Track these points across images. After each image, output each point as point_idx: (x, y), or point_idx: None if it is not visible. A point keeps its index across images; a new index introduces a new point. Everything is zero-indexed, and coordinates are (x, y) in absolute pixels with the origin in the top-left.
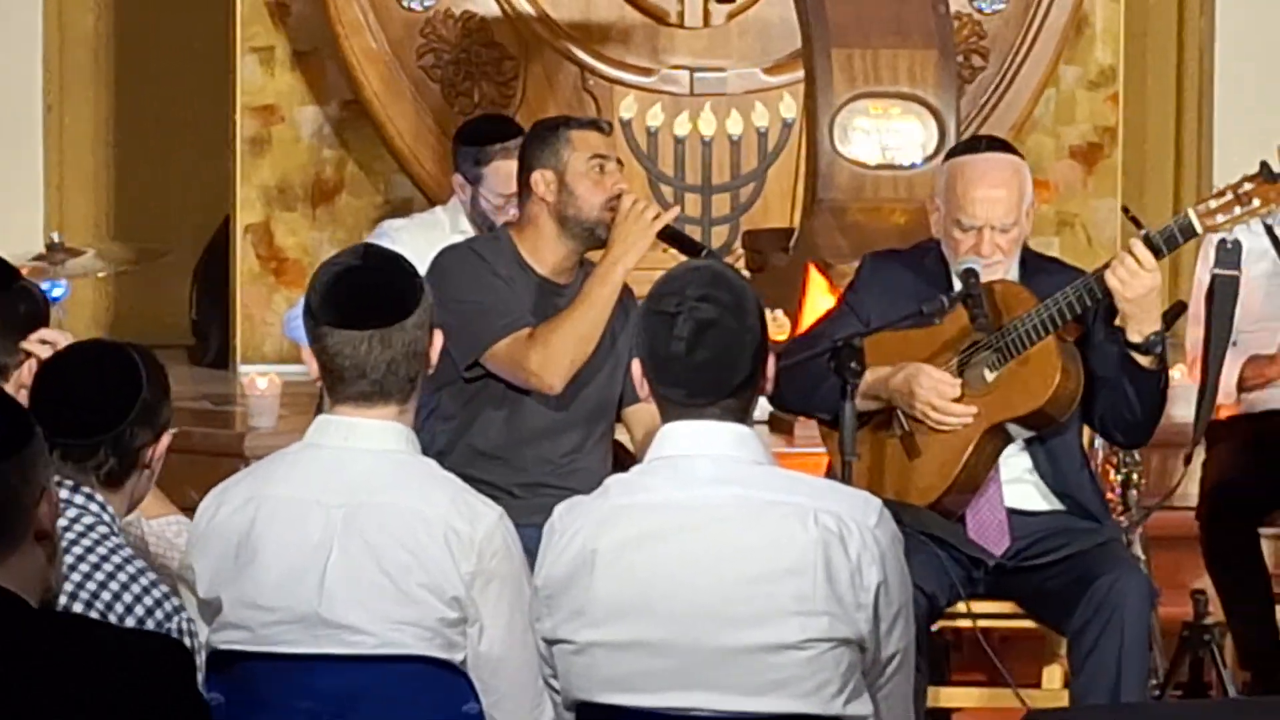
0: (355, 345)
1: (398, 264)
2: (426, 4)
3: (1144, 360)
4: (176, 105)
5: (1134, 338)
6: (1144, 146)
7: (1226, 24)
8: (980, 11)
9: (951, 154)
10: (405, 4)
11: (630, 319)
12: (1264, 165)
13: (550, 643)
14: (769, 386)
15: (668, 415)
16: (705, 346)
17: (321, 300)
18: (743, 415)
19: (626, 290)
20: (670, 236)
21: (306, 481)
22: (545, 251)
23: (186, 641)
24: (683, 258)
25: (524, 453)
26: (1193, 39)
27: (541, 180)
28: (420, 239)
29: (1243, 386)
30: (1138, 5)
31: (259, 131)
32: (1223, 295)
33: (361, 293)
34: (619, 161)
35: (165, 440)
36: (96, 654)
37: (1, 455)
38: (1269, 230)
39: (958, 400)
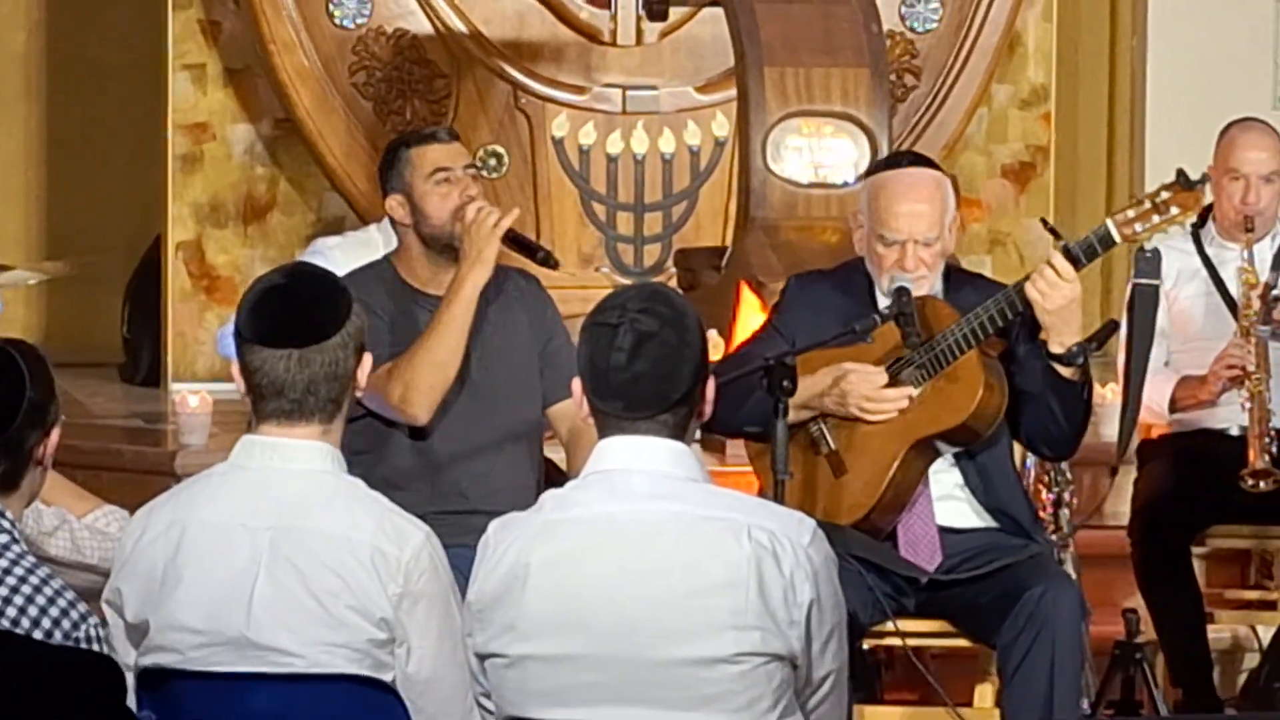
0: (274, 363)
1: (326, 284)
2: (359, 21)
3: (1066, 371)
4: (108, 123)
5: (1055, 349)
6: (1076, 165)
7: (1158, 43)
8: (913, 30)
9: (873, 171)
10: (337, 21)
11: (544, 337)
12: (1180, 173)
13: (482, 658)
14: (708, 410)
15: (605, 430)
16: (645, 358)
17: (246, 317)
18: (680, 432)
19: (542, 302)
20: (512, 240)
21: (232, 504)
22: (423, 271)
23: (97, 647)
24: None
25: (437, 479)
26: (1124, 58)
27: (395, 205)
28: (354, 257)
29: (1175, 407)
30: (1070, 24)
31: (191, 149)
32: (1143, 304)
33: (284, 312)
34: (475, 166)
35: (55, 435)
36: (28, 671)
37: None
38: (1200, 250)
39: (857, 423)
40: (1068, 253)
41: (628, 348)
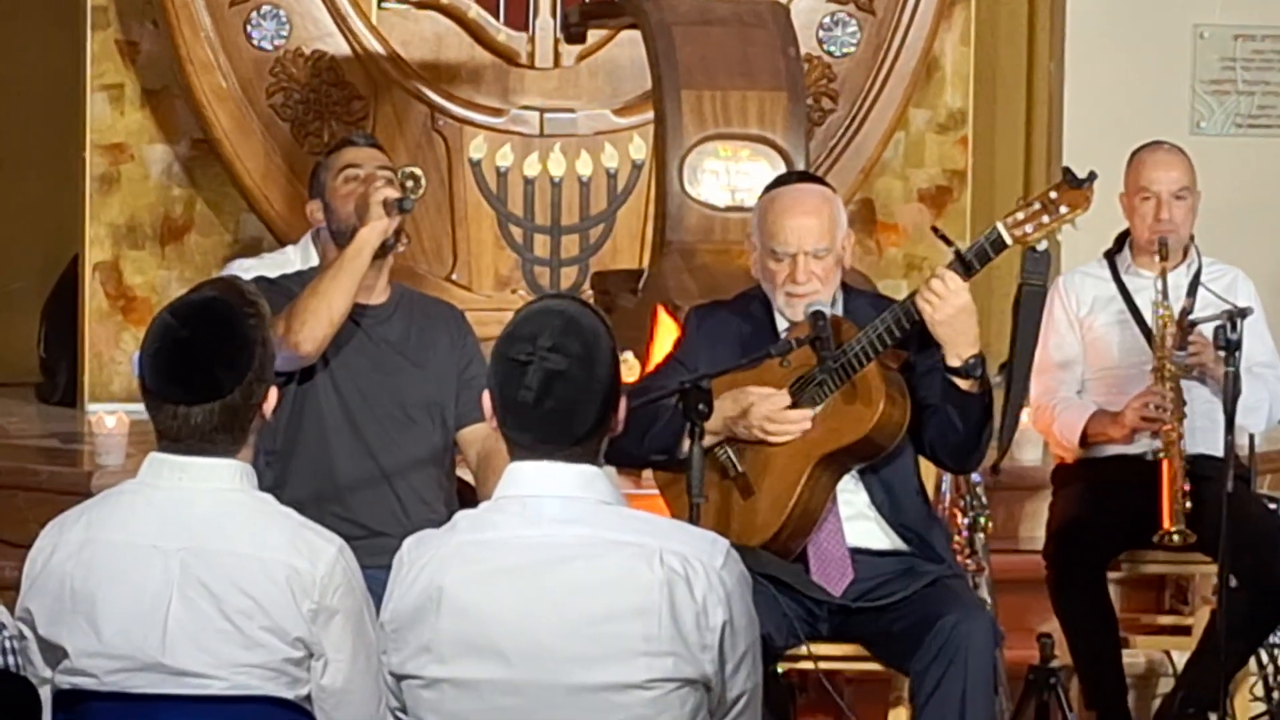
0: (170, 414)
1: (229, 332)
2: (277, 43)
3: (964, 384)
4: (25, 143)
5: (953, 362)
6: (993, 190)
7: (1076, 69)
8: (830, 54)
9: (763, 193)
10: (256, 43)
11: (464, 361)
12: (1067, 171)
13: (399, 677)
14: (619, 427)
15: (515, 455)
16: (553, 397)
17: (145, 362)
18: (591, 456)
19: (463, 331)
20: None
21: (143, 525)
22: None
23: (10, 660)
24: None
25: (350, 500)
26: (1042, 83)
27: (314, 209)
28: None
29: (1086, 441)
30: (987, 49)
31: (108, 169)
32: (1030, 304)
33: (178, 368)
34: (389, 168)
35: None
36: None
37: None
38: (1116, 277)
39: (763, 444)
40: (960, 259)
41: (536, 387)
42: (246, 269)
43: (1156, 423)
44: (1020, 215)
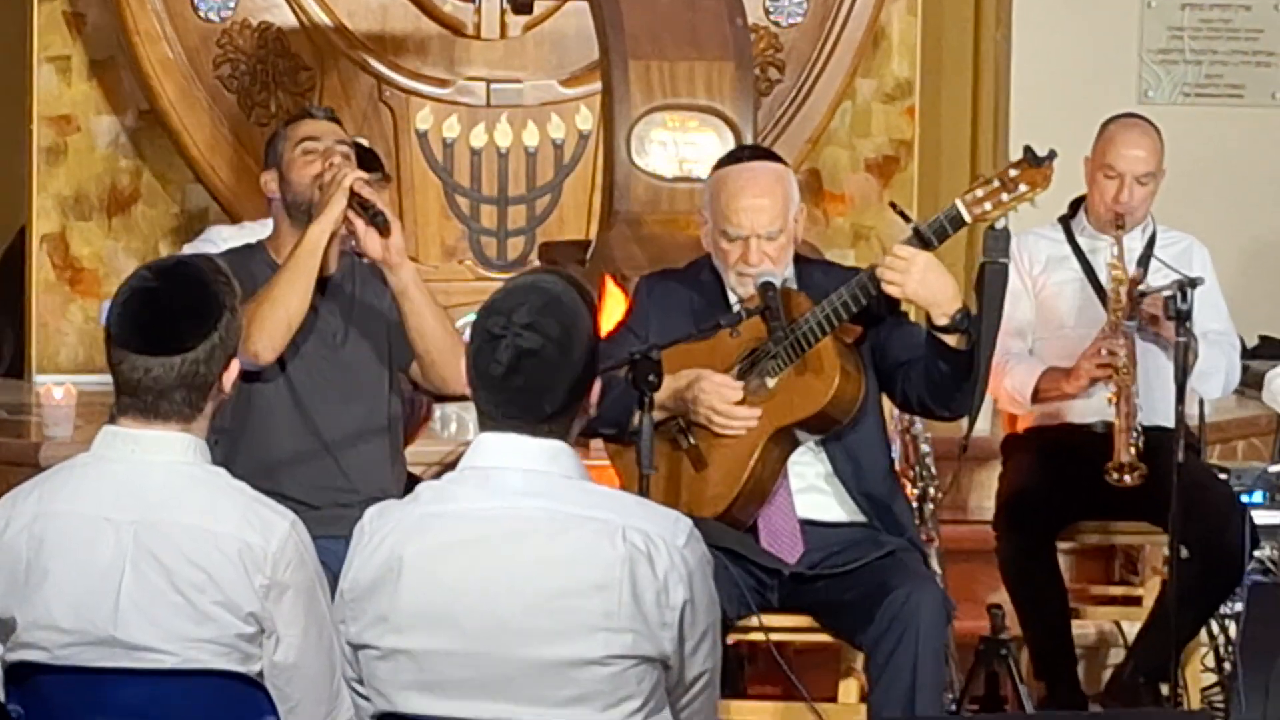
0: (132, 364)
1: (197, 291)
2: (224, 14)
3: (953, 340)
4: None
5: (940, 320)
6: (939, 159)
7: (1022, 37)
8: (777, 24)
9: (716, 167)
10: (202, 14)
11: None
12: (1028, 150)
13: (356, 647)
14: (593, 410)
15: (484, 425)
16: (522, 374)
17: (113, 312)
18: (560, 434)
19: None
20: (358, 201)
21: (95, 497)
22: (290, 249)
23: None
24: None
25: (302, 471)
26: (988, 52)
27: (268, 179)
28: None
29: (1038, 398)
30: (934, 18)
31: (55, 141)
32: (992, 282)
33: (147, 317)
34: (346, 142)
35: None
36: None
37: None
38: (1071, 239)
39: (741, 404)
40: (919, 235)
41: (505, 362)
42: (225, 239)
43: (1108, 370)
44: (979, 193)
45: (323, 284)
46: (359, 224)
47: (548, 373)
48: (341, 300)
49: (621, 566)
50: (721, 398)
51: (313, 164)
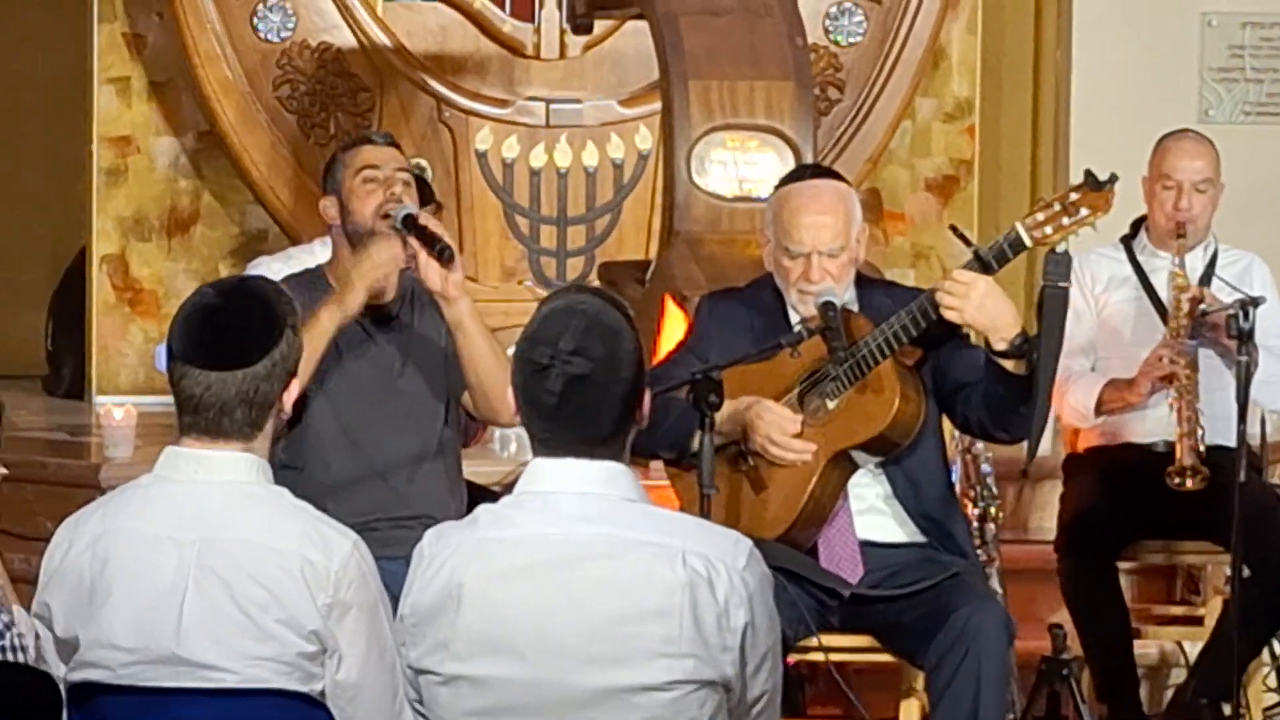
0: (193, 380)
1: (259, 307)
2: (283, 35)
3: (1011, 365)
4: (32, 135)
5: (999, 345)
6: (999, 179)
7: (1082, 56)
8: (837, 43)
9: (779, 185)
10: (262, 35)
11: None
12: (1089, 174)
13: (416, 671)
14: (645, 420)
15: (537, 451)
16: (575, 401)
17: (175, 329)
18: (617, 452)
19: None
20: (417, 230)
21: (158, 517)
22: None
23: (19, 657)
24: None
25: (361, 492)
26: (1049, 71)
27: (327, 205)
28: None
29: (1101, 410)
30: (994, 38)
31: (115, 162)
32: (1053, 307)
33: (208, 332)
34: (408, 170)
35: None
36: None
37: None
38: (1132, 258)
39: (799, 435)
40: (979, 259)
41: (557, 391)
42: (275, 272)
43: (1169, 377)
44: (1040, 216)
45: (380, 313)
46: (421, 254)
47: (600, 395)
48: (398, 330)
49: (682, 592)
50: (780, 429)
51: (374, 193)
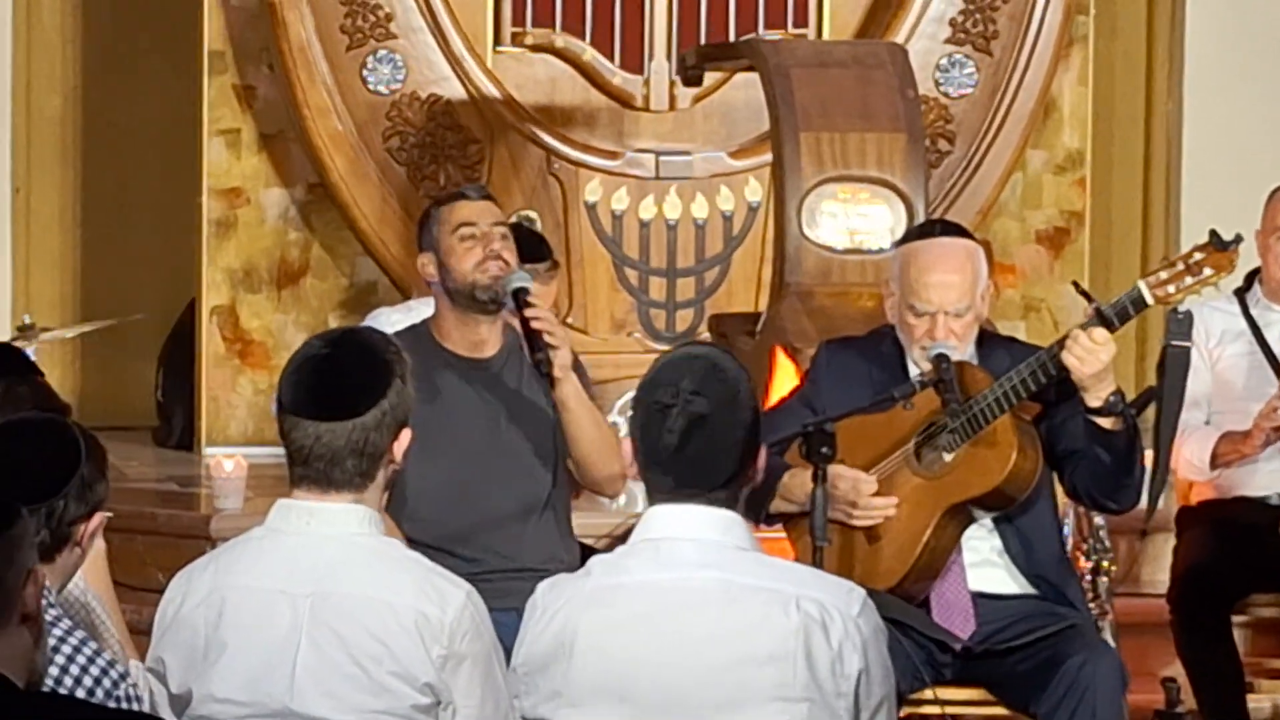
0: (303, 432)
1: (370, 359)
2: (393, 87)
3: (1107, 423)
4: (142, 187)
5: (1094, 403)
6: (1110, 231)
7: (1194, 108)
8: (947, 95)
9: (905, 239)
10: (372, 87)
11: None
12: (1213, 234)
13: None
14: (758, 476)
15: (654, 499)
16: (696, 442)
17: (285, 379)
18: (731, 501)
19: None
20: (527, 331)
21: (271, 570)
22: (453, 331)
23: (135, 707)
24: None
25: (472, 543)
26: (1160, 123)
27: (425, 262)
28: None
29: (1216, 463)
30: (1105, 90)
31: (225, 214)
32: (1174, 366)
33: (317, 383)
34: (504, 223)
35: (98, 519)
36: None
37: None
38: (1245, 312)
39: (887, 492)
40: (1100, 315)
41: (679, 430)
42: (394, 323)
43: None
44: (1163, 274)
45: (482, 367)
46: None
47: (719, 437)
48: (503, 390)
49: (795, 636)
50: (857, 492)
51: (472, 250)
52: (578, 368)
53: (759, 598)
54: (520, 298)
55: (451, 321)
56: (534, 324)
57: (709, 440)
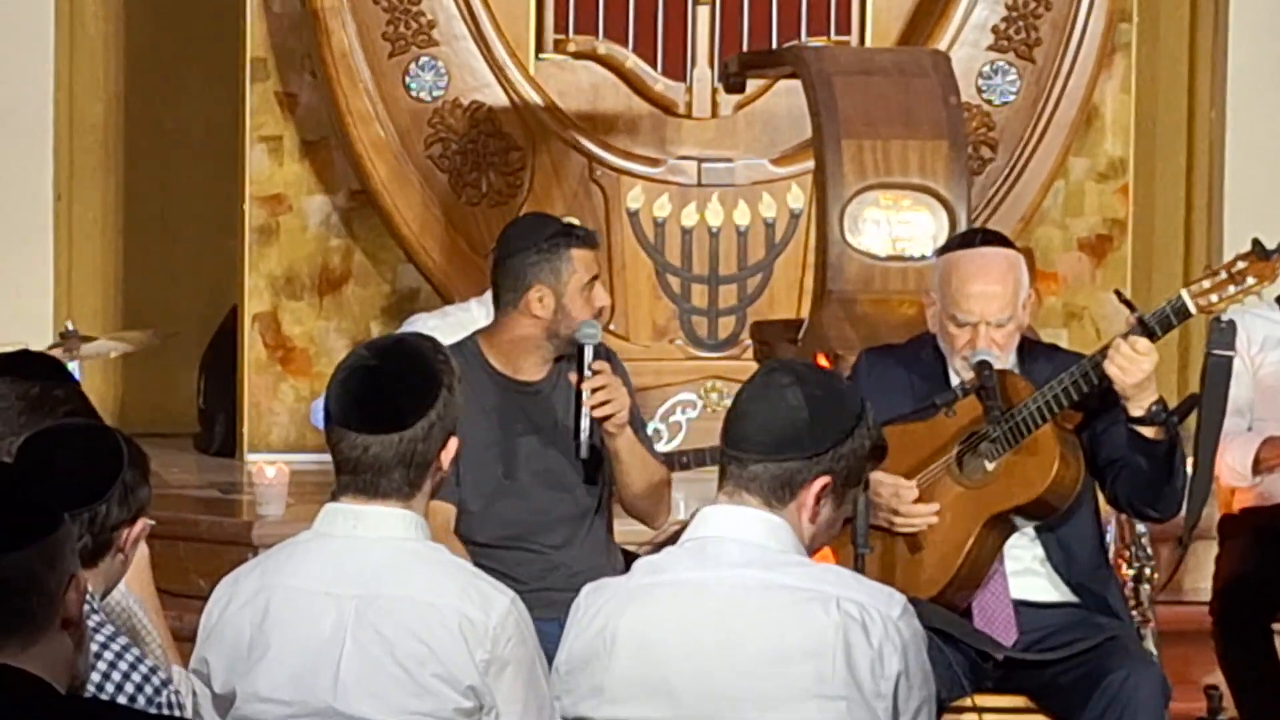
0: (351, 443)
1: (417, 369)
2: (435, 94)
3: (1149, 432)
4: (184, 194)
5: (1136, 412)
6: (1153, 239)
7: (1237, 116)
8: (990, 103)
9: (946, 248)
10: (414, 94)
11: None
12: (1256, 243)
13: None
14: (808, 515)
15: (718, 497)
16: (807, 407)
17: (332, 390)
18: (780, 503)
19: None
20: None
21: (317, 573)
22: (520, 359)
23: (175, 713)
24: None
25: (503, 562)
26: (1203, 131)
27: (537, 298)
28: (453, 337)
29: (1259, 468)
30: (1148, 97)
31: (267, 221)
32: (1216, 376)
33: (364, 395)
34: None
35: (140, 525)
36: None
37: (27, 542)
38: None
39: (928, 501)
40: (1143, 324)
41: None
42: (431, 329)
43: None
44: (1206, 284)
45: (531, 391)
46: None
47: (827, 410)
48: (548, 418)
49: (835, 633)
50: (898, 500)
51: (591, 303)
52: (633, 415)
53: (799, 596)
54: (582, 356)
55: (527, 349)
56: (587, 400)
57: (819, 407)
